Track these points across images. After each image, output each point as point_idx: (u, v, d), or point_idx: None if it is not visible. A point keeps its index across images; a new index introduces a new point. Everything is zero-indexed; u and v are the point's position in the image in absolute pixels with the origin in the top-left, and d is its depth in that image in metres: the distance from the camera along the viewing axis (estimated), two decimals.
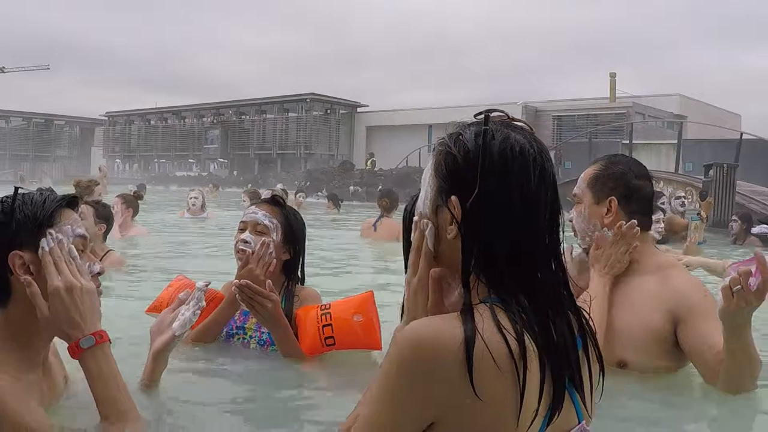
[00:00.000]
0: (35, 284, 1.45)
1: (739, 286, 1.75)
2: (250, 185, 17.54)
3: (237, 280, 2.19)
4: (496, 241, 1.04)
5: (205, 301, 1.87)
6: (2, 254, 1.46)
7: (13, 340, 1.48)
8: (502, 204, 1.04)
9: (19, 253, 1.47)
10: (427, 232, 1.13)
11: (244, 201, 9.34)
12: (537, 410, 0.98)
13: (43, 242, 1.47)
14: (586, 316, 1.13)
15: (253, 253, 2.29)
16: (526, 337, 0.98)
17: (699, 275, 3.11)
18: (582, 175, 2.29)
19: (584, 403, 1.07)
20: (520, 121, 1.12)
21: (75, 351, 1.48)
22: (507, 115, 1.12)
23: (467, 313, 1.00)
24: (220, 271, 3.67)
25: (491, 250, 1.04)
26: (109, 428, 1.47)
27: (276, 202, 2.48)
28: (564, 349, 1.03)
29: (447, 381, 0.96)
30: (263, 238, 2.34)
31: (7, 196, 1.52)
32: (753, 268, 1.75)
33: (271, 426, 1.89)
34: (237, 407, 1.94)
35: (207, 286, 1.93)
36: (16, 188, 1.53)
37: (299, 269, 2.49)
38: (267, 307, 2.16)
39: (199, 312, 1.83)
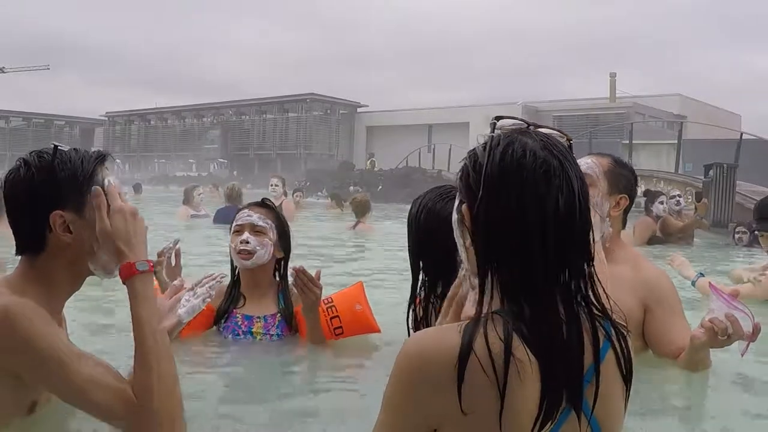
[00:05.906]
0: (103, 195, 1.50)
1: (725, 338, 1.97)
2: (250, 185, 17.54)
3: (293, 266, 2.44)
4: (498, 249, 1.02)
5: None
6: (44, 211, 1.48)
7: (36, 284, 1.50)
8: (501, 210, 1.01)
9: (61, 213, 1.49)
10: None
11: (276, 185, 9.40)
12: (536, 419, 0.95)
13: (109, 178, 1.54)
14: (619, 328, 1.08)
15: (252, 253, 2.51)
16: (520, 349, 0.95)
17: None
18: (593, 160, 2.36)
19: (592, 414, 1.02)
20: (545, 126, 1.09)
21: (128, 271, 1.48)
22: (525, 121, 1.08)
23: (471, 324, 0.98)
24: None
25: (496, 258, 1.03)
26: (145, 351, 1.43)
27: (266, 205, 2.64)
28: (568, 362, 0.98)
29: (440, 392, 0.95)
30: (263, 238, 2.53)
31: (43, 152, 1.53)
32: (740, 316, 1.94)
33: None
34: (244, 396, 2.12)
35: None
36: (56, 146, 1.53)
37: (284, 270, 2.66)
38: (315, 293, 2.39)
39: (208, 300, 1.81)
